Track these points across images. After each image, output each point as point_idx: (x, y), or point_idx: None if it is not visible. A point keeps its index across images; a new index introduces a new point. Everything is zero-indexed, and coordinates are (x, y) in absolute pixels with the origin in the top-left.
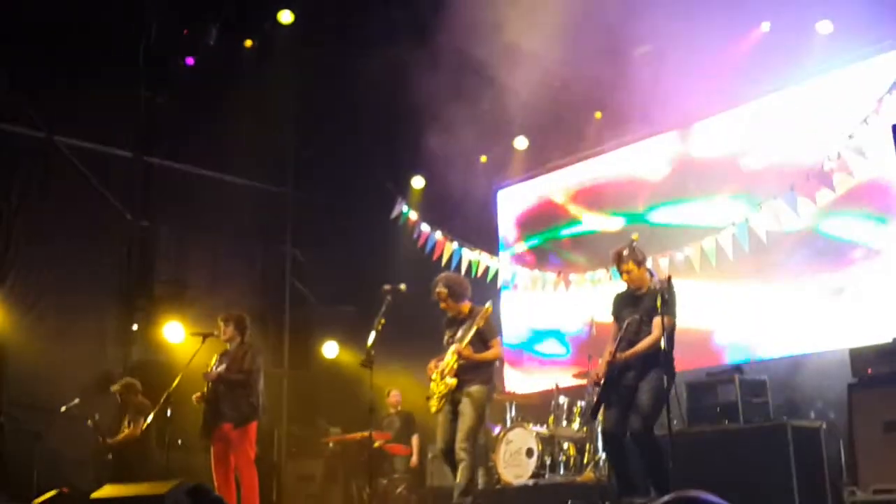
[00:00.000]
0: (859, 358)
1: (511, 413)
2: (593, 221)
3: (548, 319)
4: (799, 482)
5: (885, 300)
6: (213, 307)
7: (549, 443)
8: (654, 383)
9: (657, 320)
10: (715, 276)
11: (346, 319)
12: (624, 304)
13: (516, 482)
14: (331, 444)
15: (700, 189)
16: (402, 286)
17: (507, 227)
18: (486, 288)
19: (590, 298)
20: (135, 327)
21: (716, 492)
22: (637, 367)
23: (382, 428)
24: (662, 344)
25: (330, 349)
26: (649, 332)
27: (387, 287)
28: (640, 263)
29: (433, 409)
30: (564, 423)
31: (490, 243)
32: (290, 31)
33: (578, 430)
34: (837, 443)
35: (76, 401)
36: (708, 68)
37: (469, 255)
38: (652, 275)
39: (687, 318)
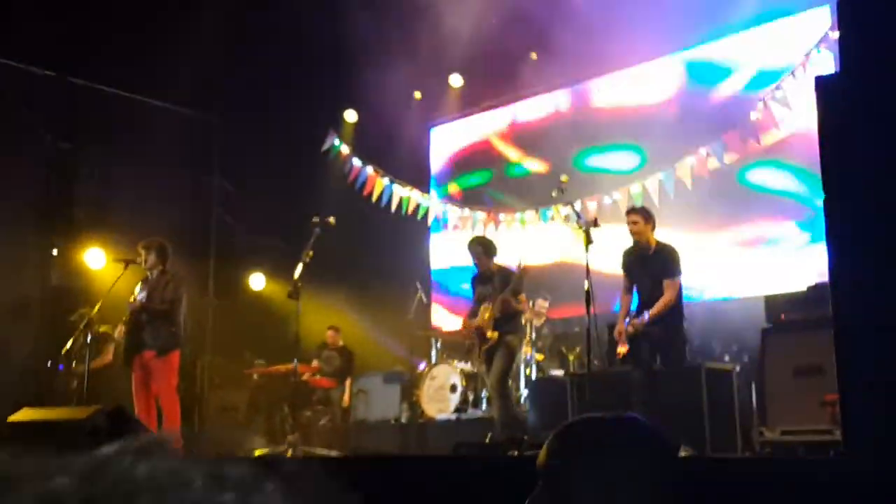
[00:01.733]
0: (774, 305)
1: (436, 349)
2: (525, 163)
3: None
4: (711, 422)
5: (801, 251)
6: (137, 234)
7: (473, 379)
8: (676, 340)
9: (670, 282)
10: None
11: (273, 251)
12: (635, 262)
13: (439, 416)
14: (255, 376)
15: (629, 135)
16: (332, 219)
17: (439, 165)
18: (415, 225)
19: (519, 239)
20: (54, 252)
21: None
22: (659, 324)
23: (321, 362)
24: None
25: (257, 281)
26: (661, 294)
27: (315, 219)
28: (647, 219)
29: (476, 362)
30: None
31: (422, 181)
32: None
33: None
34: (749, 386)
35: None
36: (641, 14)
37: (400, 191)
38: (579, 216)
39: (613, 263)
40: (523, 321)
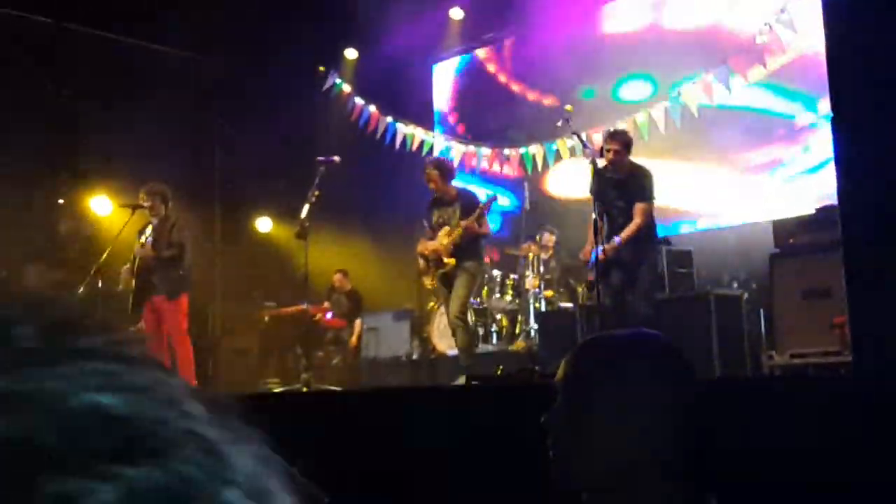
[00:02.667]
0: (781, 229)
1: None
2: (529, 96)
3: (482, 195)
4: (720, 349)
5: (809, 174)
6: (141, 180)
7: (483, 314)
8: (650, 263)
9: (641, 206)
10: (646, 151)
11: (279, 193)
12: (606, 185)
13: (450, 352)
14: (266, 319)
15: (635, 64)
16: (336, 158)
17: (442, 101)
18: (420, 163)
19: (524, 175)
20: (61, 201)
21: None
22: (630, 247)
23: (331, 305)
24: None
25: (263, 224)
26: (632, 218)
27: (320, 158)
28: (627, 146)
29: (428, 286)
30: (497, 294)
31: (425, 118)
32: None
33: (511, 302)
34: (759, 313)
35: (3, 273)
36: None
37: (403, 129)
38: (585, 146)
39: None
40: (530, 256)
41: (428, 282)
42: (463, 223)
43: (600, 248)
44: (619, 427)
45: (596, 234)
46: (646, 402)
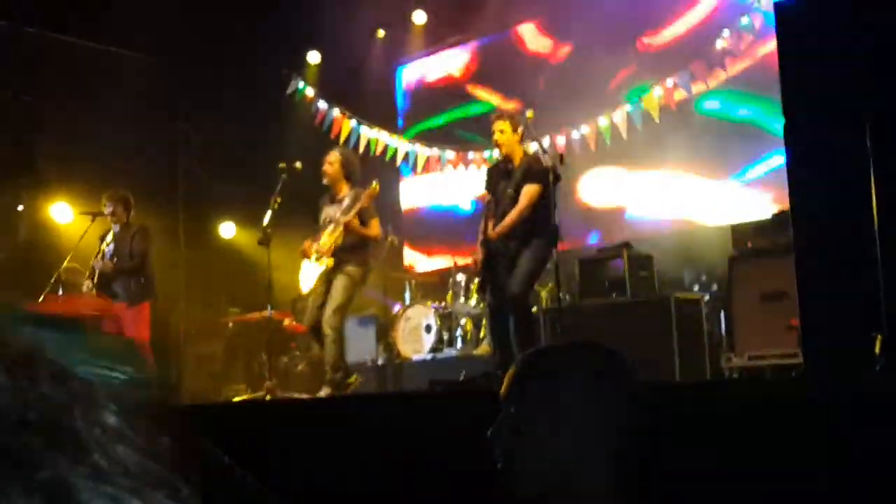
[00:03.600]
0: (740, 233)
1: (410, 290)
2: (493, 100)
3: (446, 198)
4: (680, 351)
5: (768, 178)
6: (103, 185)
7: (447, 318)
8: (535, 251)
9: (526, 189)
10: (608, 157)
11: (242, 198)
12: (498, 176)
13: (415, 357)
14: (231, 324)
15: (597, 68)
16: (298, 164)
17: (406, 105)
18: (384, 167)
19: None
20: (20, 208)
21: None
22: (518, 237)
23: (295, 309)
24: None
25: (227, 229)
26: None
27: (282, 165)
28: (515, 127)
29: (303, 293)
30: (462, 299)
31: (389, 121)
32: None
33: (475, 306)
34: (718, 314)
35: None
36: None
37: (368, 133)
38: (544, 152)
39: (583, 196)
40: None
41: (307, 282)
42: (343, 219)
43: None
44: (560, 439)
45: (556, 239)
46: (583, 415)
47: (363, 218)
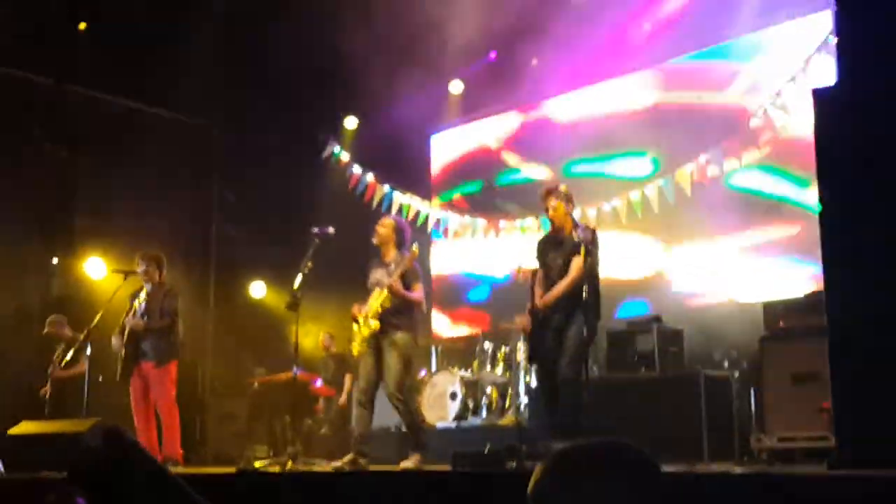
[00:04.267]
0: (771, 311)
1: (436, 357)
2: (525, 170)
3: (477, 266)
4: (709, 429)
5: (800, 257)
6: (137, 242)
7: (473, 387)
8: (581, 327)
9: (575, 261)
10: (639, 229)
11: (274, 259)
12: (548, 247)
13: (439, 424)
14: (256, 385)
15: (629, 142)
16: (331, 229)
17: (439, 172)
18: (416, 233)
19: (519, 246)
20: (55, 261)
21: (629, 436)
22: (563, 310)
23: (318, 371)
24: (584, 288)
25: (257, 289)
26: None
27: (315, 230)
28: (566, 202)
29: (355, 353)
30: (488, 367)
31: (422, 188)
32: None
33: (502, 375)
34: (748, 392)
35: None
36: (642, 20)
37: (400, 198)
38: (577, 225)
39: (611, 269)
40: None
41: (355, 348)
42: (387, 281)
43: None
44: None
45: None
46: None
47: (407, 281)
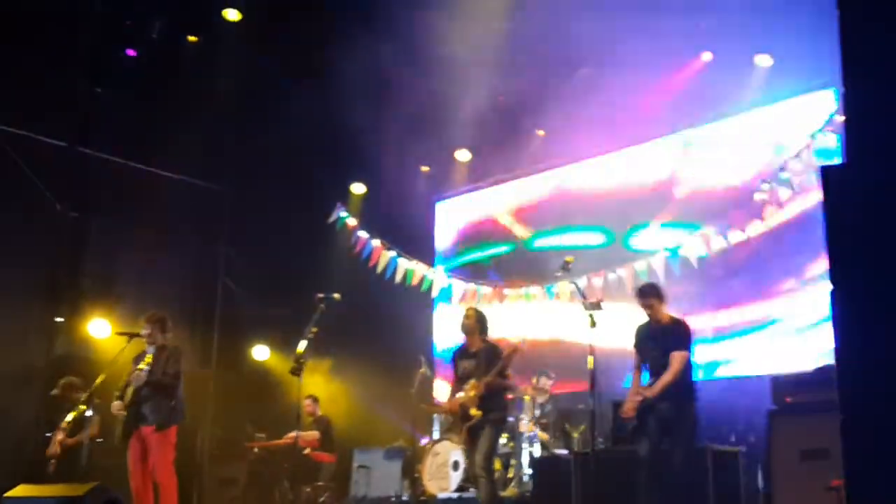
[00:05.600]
0: (780, 385)
1: (439, 425)
2: (531, 239)
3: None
4: None
5: (808, 330)
6: (142, 304)
7: None
8: (688, 418)
9: (676, 355)
10: None
11: (278, 322)
12: (646, 336)
13: (441, 495)
14: (256, 450)
15: (635, 214)
16: (337, 296)
17: (444, 238)
18: (420, 299)
19: (524, 315)
20: (60, 320)
21: None
22: (669, 399)
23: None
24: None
25: (260, 352)
26: (669, 366)
27: (320, 295)
28: (660, 299)
29: (455, 442)
30: None
31: (427, 254)
32: (235, 29)
33: (505, 445)
34: (756, 467)
35: None
36: (648, 93)
37: (405, 264)
38: (583, 296)
39: (618, 339)
40: (526, 398)
41: (456, 438)
42: (485, 379)
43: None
44: None
45: (593, 384)
46: None
47: (503, 370)
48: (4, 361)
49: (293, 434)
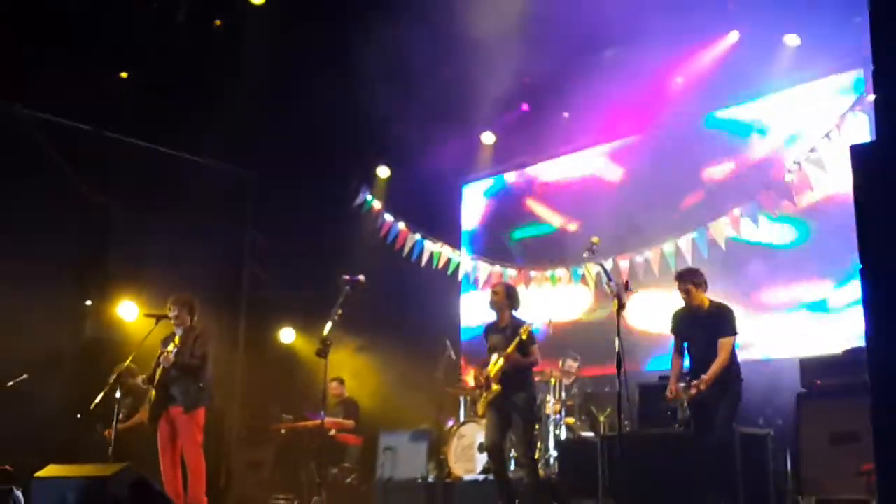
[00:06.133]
0: (809, 368)
1: (465, 407)
2: (556, 221)
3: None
4: (745, 487)
5: (837, 313)
6: (169, 287)
7: None
8: (733, 398)
9: (723, 342)
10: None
11: (304, 305)
12: (686, 322)
13: (466, 476)
14: (283, 431)
15: (663, 195)
16: (362, 278)
17: (470, 221)
18: (446, 282)
19: (549, 297)
20: (88, 303)
21: (661, 494)
22: (717, 383)
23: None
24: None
25: (287, 335)
26: (715, 354)
27: (346, 277)
28: (698, 286)
29: (480, 413)
30: None
31: (453, 236)
32: (261, 12)
33: None
34: (784, 450)
35: (24, 376)
36: (675, 74)
37: (431, 246)
38: (609, 279)
39: (645, 322)
40: (552, 381)
41: (480, 408)
42: (505, 353)
43: (682, 384)
44: None
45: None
46: None
47: (525, 346)
48: (34, 345)
49: (329, 420)
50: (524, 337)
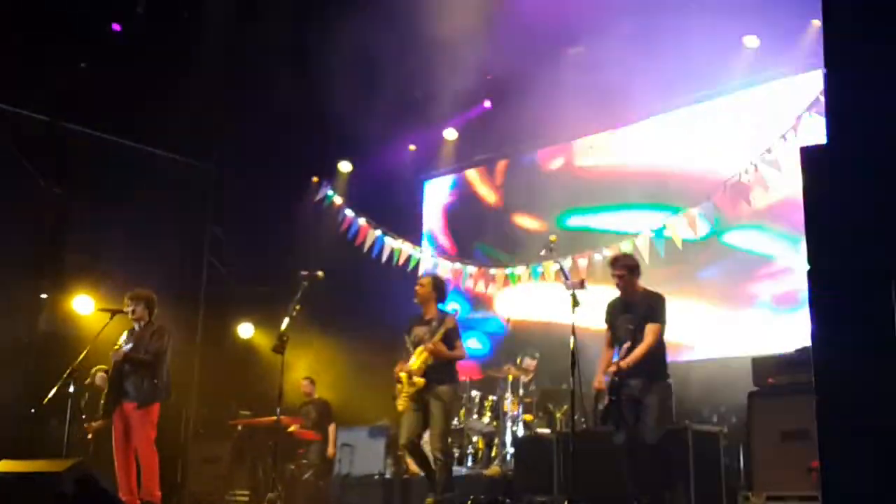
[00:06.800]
0: (761, 367)
1: None
2: (516, 220)
3: (467, 315)
4: (696, 485)
5: (789, 312)
6: (126, 281)
7: (458, 435)
8: (660, 394)
9: (650, 327)
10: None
11: (262, 300)
12: (618, 311)
13: (423, 472)
14: (239, 427)
15: (620, 194)
16: (320, 273)
17: (431, 218)
18: (406, 278)
19: (508, 295)
20: (44, 296)
21: (615, 492)
22: (641, 376)
23: (299, 416)
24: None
25: (245, 329)
26: (643, 340)
27: (304, 273)
28: (632, 270)
29: (399, 408)
30: (475, 416)
31: (414, 233)
32: (223, 5)
33: (488, 424)
34: (737, 448)
35: None
36: (633, 76)
37: (392, 243)
38: (566, 276)
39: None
40: (510, 378)
41: (400, 404)
42: (428, 345)
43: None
44: None
45: (574, 364)
46: None
47: (450, 338)
48: None
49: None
50: (451, 325)
